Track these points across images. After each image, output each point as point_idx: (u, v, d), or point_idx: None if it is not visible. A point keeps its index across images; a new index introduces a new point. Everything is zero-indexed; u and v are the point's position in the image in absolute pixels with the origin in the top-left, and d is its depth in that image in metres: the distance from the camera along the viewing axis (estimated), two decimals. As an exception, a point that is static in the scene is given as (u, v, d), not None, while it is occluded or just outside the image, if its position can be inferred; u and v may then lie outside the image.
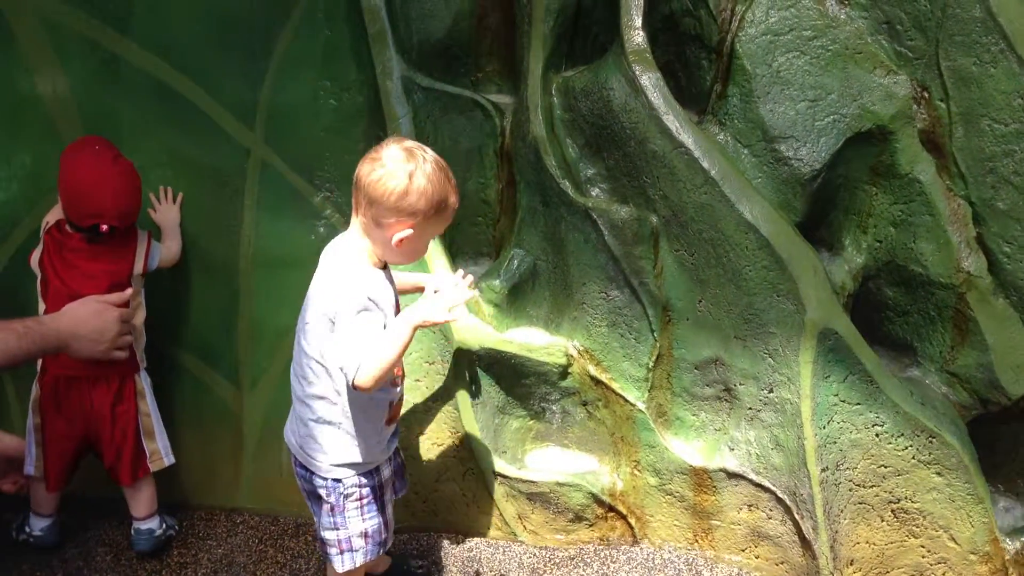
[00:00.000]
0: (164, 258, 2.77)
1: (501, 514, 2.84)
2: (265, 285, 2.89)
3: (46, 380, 2.64)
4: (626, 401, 2.72)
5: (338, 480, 2.23)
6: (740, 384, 2.63)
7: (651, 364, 2.69)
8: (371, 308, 2.07)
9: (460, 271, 2.21)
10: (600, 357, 2.73)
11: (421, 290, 2.24)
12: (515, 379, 2.75)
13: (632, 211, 2.61)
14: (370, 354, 2.01)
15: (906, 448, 2.54)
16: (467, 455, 2.78)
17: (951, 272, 2.52)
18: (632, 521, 2.82)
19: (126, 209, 2.60)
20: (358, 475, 2.24)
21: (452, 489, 2.81)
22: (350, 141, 2.78)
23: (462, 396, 2.74)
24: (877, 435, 2.54)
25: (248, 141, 2.80)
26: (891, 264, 2.61)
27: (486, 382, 2.77)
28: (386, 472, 2.31)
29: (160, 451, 2.75)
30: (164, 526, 2.82)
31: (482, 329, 2.68)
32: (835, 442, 2.55)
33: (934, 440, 2.52)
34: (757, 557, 2.75)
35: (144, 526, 2.78)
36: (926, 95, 2.51)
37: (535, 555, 2.82)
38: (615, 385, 2.72)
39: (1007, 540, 2.59)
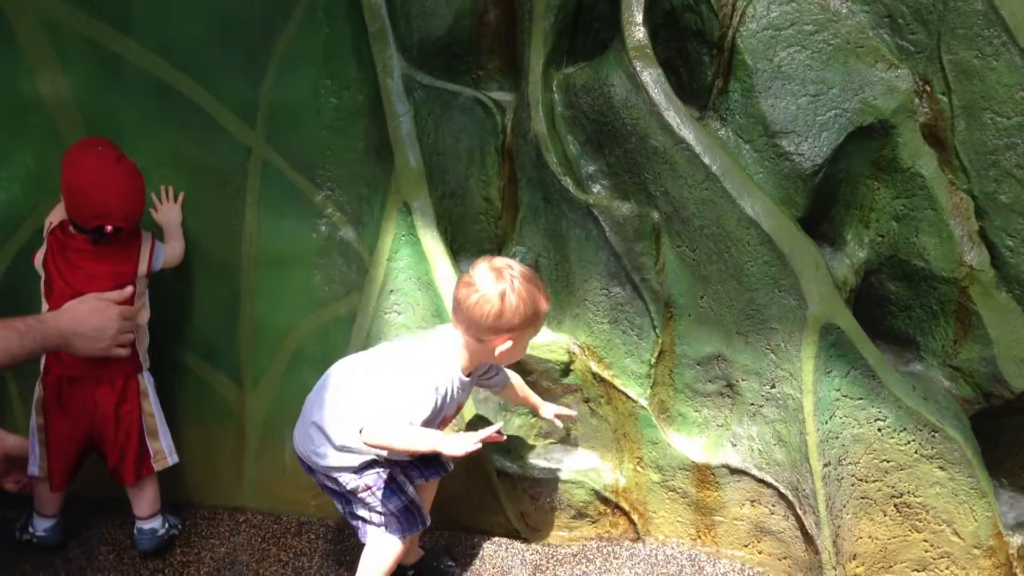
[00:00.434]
0: (168, 258, 2.76)
1: (504, 511, 2.84)
2: (267, 284, 2.89)
3: (49, 380, 2.64)
4: (628, 398, 2.72)
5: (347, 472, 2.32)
6: (742, 380, 2.63)
7: (653, 360, 2.69)
8: (422, 416, 2.22)
9: (500, 423, 2.34)
10: (602, 354, 2.73)
11: (532, 407, 2.65)
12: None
13: (633, 207, 2.61)
14: (393, 430, 2.17)
15: (909, 443, 2.53)
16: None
17: (953, 266, 2.52)
18: (635, 517, 2.82)
19: (130, 210, 2.60)
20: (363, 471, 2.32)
21: (455, 487, 2.81)
22: (351, 139, 2.78)
23: (464, 393, 2.74)
24: (879, 430, 2.53)
25: (249, 140, 2.80)
26: (893, 258, 2.61)
27: (488, 379, 2.77)
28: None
29: (164, 450, 2.75)
30: (167, 525, 2.82)
31: (484, 326, 2.67)
32: (837, 437, 2.55)
33: (937, 434, 2.51)
34: (760, 552, 2.74)
35: (147, 526, 2.78)
36: (928, 89, 2.51)
37: (538, 552, 2.82)
38: (617, 382, 2.72)
39: (1011, 534, 2.59)
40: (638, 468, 2.78)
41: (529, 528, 2.86)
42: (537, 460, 2.84)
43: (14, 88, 2.78)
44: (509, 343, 2.26)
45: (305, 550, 2.85)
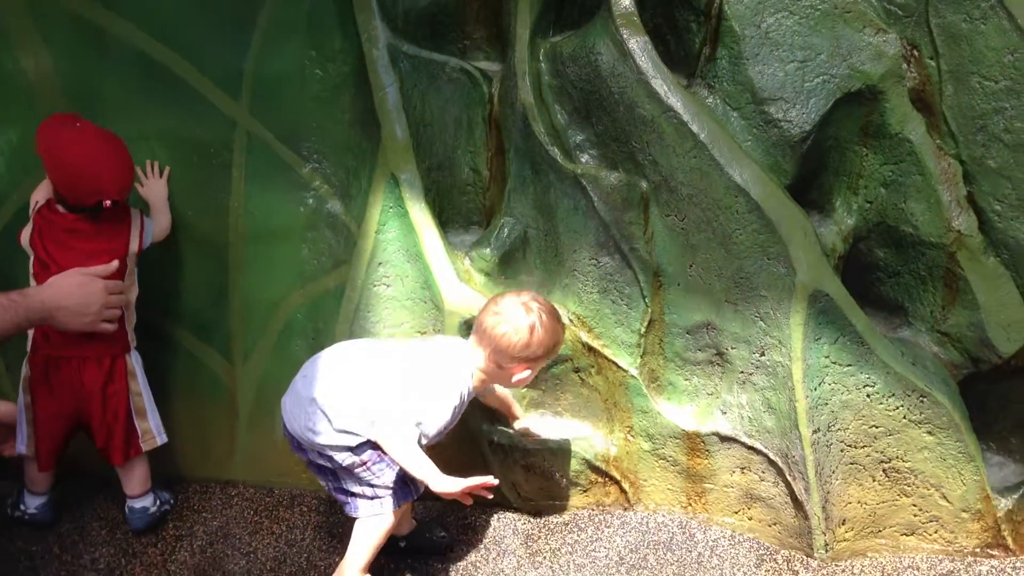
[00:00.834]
0: (155, 234, 2.75)
1: (496, 482, 2.85)
2: (255, 258, 2.88)
3: (36, 360, 2.63)
4: (618, 367, 2.72)
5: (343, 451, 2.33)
6: (732, 348, 2.63)
7: (643, 330, 2.69)
8: (440, 423, 2.34)
9: (492, 478, 2.28)
10: (592, 324, 2.73)
11: (508, 410, 2.69)
12: (507, 347, 2.75)
13: (622, 177, 2.60)
14: (403, 444, 2.25)
15: (897, 408, 2.54)
16: (460, 423, 2.78)
17: (942, 231, 2.52)
18: (626, 486, 2.84)
19: (124, 182, 2.59)
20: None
21: (446, 457, 2.81)
22: (337, 111, 2.76)
23: (454, 365, 2.74)
24: (868, 396, 2.55)
25: (234, 113, 2.78)
26: (882, 225, 2.61)
27: (478, 351, 2.77)
28: None
29: (152, 430, 2.74)
30: (158, 503, 2.82)
31: (473, 298, 2.67)
32: (826, 403, 2.56)
33: (925, 400, 2.53)
34: (750, 519, 2.76)
35: (138, 504, 2.78)
36: (916, 53, 2.49)
37: (530, 522, 2.84)
38: (607, 351, 2.72)
39: (999, 498, 2.61)
40: (629, 437, 2.79)
41: (521, 498, 2.87)
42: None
43: (-5, 62, 2.75)
44: (528, 372, 2.39)
45: (298, 522, 2.86)
